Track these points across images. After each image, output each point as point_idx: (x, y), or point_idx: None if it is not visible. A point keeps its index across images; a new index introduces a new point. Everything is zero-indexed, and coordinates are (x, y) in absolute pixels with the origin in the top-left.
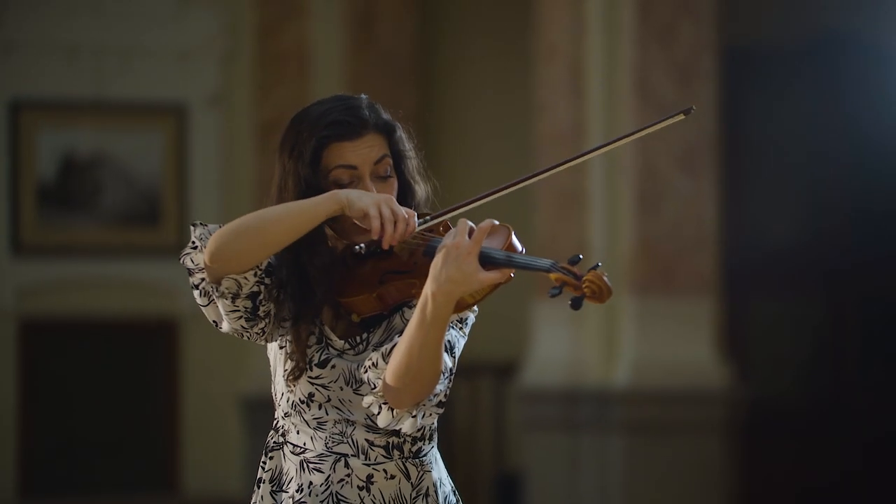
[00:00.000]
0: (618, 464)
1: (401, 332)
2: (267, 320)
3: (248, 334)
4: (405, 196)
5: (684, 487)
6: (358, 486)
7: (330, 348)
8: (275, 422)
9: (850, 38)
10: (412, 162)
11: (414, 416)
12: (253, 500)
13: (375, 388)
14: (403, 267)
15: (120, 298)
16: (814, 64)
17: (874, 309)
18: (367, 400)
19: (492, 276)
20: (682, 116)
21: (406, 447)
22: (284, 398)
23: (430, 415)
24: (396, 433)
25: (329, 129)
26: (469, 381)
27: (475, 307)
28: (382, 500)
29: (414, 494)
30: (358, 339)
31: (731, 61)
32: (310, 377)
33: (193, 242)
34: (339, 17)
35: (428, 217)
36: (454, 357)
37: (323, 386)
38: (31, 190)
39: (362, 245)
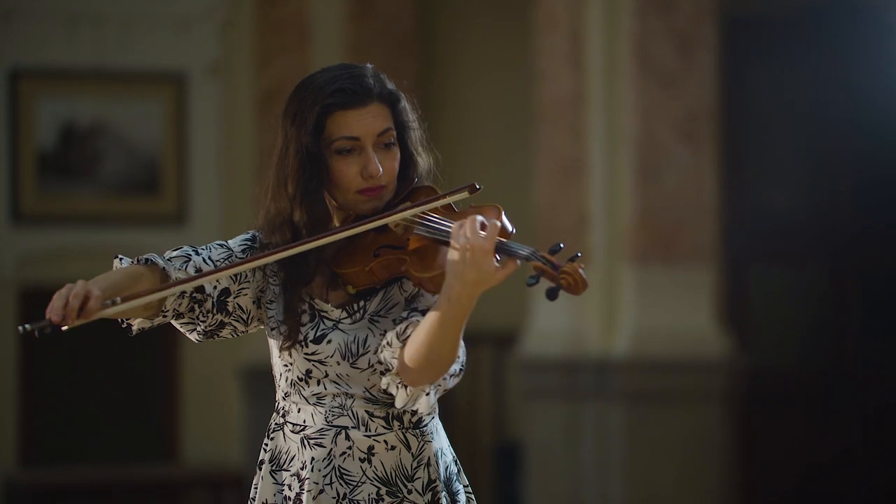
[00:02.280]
0: (618, 433)
1: (398, 304)
2: (225, 326)
3: (211, 338)
4: (407, 167)
5: (684, 456)
6: (360, 458)
7: (325, 321)
8: (276, 404)
9: (852, 6)
10: (415, 133)
11: (428, 395)
12: (254, 482)
13: (392, 368)
14: (397, 242)
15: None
16: (815, 33)
17: (876, 279)
18: (385, 381)
19: (506, 270)
20: (466, 193)
21: (406, 418)
22: (283, 378)
23: (446, 390)
24: (394, 404)
25: (333, 98)
26: (469, 351)
27: None
28: (384, 471)
29: (415, 465)
30: (355, 306)
31: (732, 30)
32: (306, 354)
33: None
34: None
35: (117, 300)
36: (462, 348)
37: (320, 362)
38: (30, 159)
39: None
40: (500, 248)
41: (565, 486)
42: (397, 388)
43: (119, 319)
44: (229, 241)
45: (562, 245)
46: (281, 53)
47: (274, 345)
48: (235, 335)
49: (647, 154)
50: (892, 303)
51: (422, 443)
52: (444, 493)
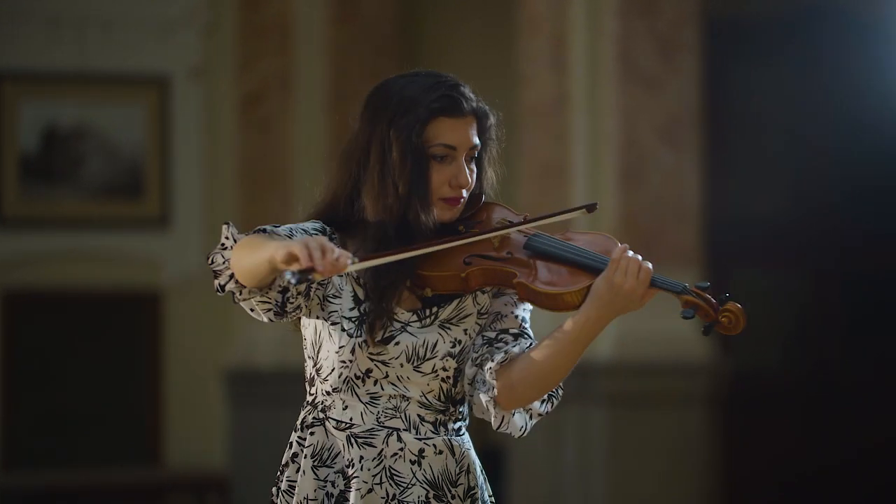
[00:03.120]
0: (600, 437)
1: (470, 314)
2: (299, 310)
3: (282, 319)
4: (478, 181)
5: (667, 460)
6: (410, 461)
7: (394, 322)
8: (311, 398)
9: (834, 9)
10: (494, 150)
11: (525, 417)
12: (286, 475)
13: (491, 390)
14: (493, 253)
15: (103, 271)
16: (797, 36)
17: (858, 282)
18: (482, 399)
19: (648, 298)
20: (584, 211)
21: (450, 425)
22: (335, 373)
23: (540, 415)
24: (445, 412)
25: (440, 102)
26: None
27: None
28: (432, 475)
29: (458, 470)
30: (427, 311)
31: (714, 33)
32: (370, 354)
33: (223, 243)
34: None
35: (354, 259)
36: None
37: (383, 362)
38: (13, 162)
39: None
40: (657, 284)
41: (548, 489)
42: (496, 410)
43: (218, 286)
44: (302, 225)
45: (708, 283)
46: (263, 56)
47: (328, 340)
48: (301, 315)
49: (629, 157)
50: (875, 307)
51: (463, 450)
52: (483, 499)
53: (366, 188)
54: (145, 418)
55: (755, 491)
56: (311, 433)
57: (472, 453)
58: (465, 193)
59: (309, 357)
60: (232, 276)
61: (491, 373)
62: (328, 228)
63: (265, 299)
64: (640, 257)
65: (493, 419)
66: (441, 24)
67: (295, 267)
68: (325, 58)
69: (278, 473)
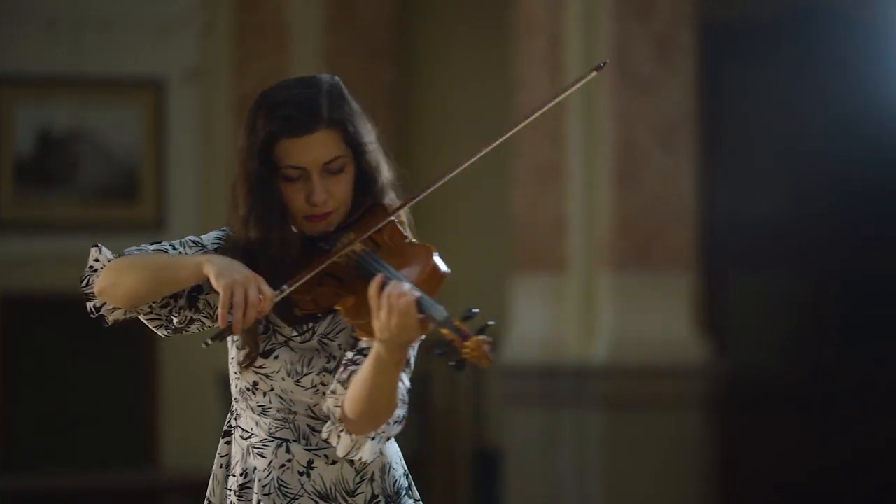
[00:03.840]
0: (597, 440)
1: (345, 329)
2: (195, 322)
3: (180, 334)
4: (367, 184)
5: (663, 463)
6: (298, 472)
7: (277, 336)
8: (232, 404)
9: (829, 11)
10: (372, 154)
11: (373, 439)
12: (210, 481)
13: (334, 416)
14: (341, 273)
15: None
16: (793, 38)
17: (854, 284)
18: (326, 429)
19: (427, 326)
20: (595, 73)
21: None
22: (233, 384)
23: (389, 437)
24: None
25: (278, 125)
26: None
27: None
28: (323, 486)
29: (357, 479)
30: (305, 326)
31: (710, 36)
32: (254, 367)
33: (91, 266)
34: None
35: (284, 288)
36: (411, 368)
37: (266, 376)
38: (8, 165)
39: (208, 341)
40: (419, 306)
41: (544, 492)
42: (339, 436)
43: (92, 308)
44: (202, 237)
45: (475, 311)
46: (259, 59)
47: (230, 347)
48: (203, 330)
49: (625, 160)
50: (871, 308)
51: None
52: None
53: (236, 211)
54: (143, 420)
55: (752, 493)
56: (227, 441)
57: (382, 459)
58: (331, 205)
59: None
60: (104, 303)
61: (334, 399)
62: (232, 234)
63: (154, 316)
64: (401, 287)
65: (340, 448)
66: (436, 27)
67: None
68: (320, 60)
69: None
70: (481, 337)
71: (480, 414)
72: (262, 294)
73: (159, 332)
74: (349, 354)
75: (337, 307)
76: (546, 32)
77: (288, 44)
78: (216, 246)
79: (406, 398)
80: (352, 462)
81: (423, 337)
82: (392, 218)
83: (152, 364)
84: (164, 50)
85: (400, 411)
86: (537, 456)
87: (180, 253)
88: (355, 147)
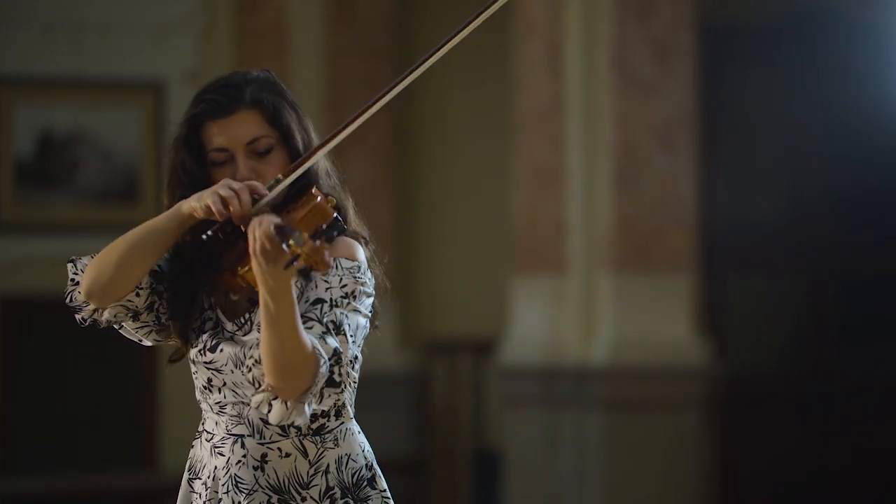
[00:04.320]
0: (596, 441)
1: None
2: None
3: (168, 340)
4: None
5: (663, 464)
6: (253, 466)
7: (223, 331)
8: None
9: (830, 13)
10: (300, 141)
11: (305, 403)
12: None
13: (262, 385)
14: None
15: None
16: (792, 40)
17: (853, 286)
18: (256, 399)
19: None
20: None
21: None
22: (195, 385)
23: (324, 397)
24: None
25: (199, 107)
26: (447, 359)
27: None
28: (277, 480)
29: (312, 472)
30: (243, 318)
31: (709, 38)
32: (205, 362)
33: (72, 279)
34: None
35: (279, 177)
36: (346, 336)
37: (217, 370)
38: (8, 167)
39: (209, 232)
40: (278, 231)
41: (544, 493)
42: (270, 404)
43: (81, 319)
44: None
45: (336, 232)
46: (259, 61)
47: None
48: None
49: (625, 161)
50: (870, 310)
51: (321, 449)
52: (345, 499)
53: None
54: (142, 423)
55: (752, 494)
56: (193, 445)
57: (339, 451)
58: (260, 188)
59: None
60: (94, 311)
61: (259, 369)
62: None
63: (141, 324)
64: (260, 221)
65: (273, 415)
66: (436, 29)
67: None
68: (320, 62)
69: None
70: (317, 243)
71: (480, 415)
72: (255, 190)
73: (146, 341)
74: None
75: (242, 270)
76: (545, 35)
77: (288, 46)
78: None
79: (325, 355)
80: (305, 454)
81: (296, 277)
82: (318, 197)
83: (152, 366)
84: (164, 52)
85: (322, 368)
86: (537, 457)
87: None
88: (281, 129)
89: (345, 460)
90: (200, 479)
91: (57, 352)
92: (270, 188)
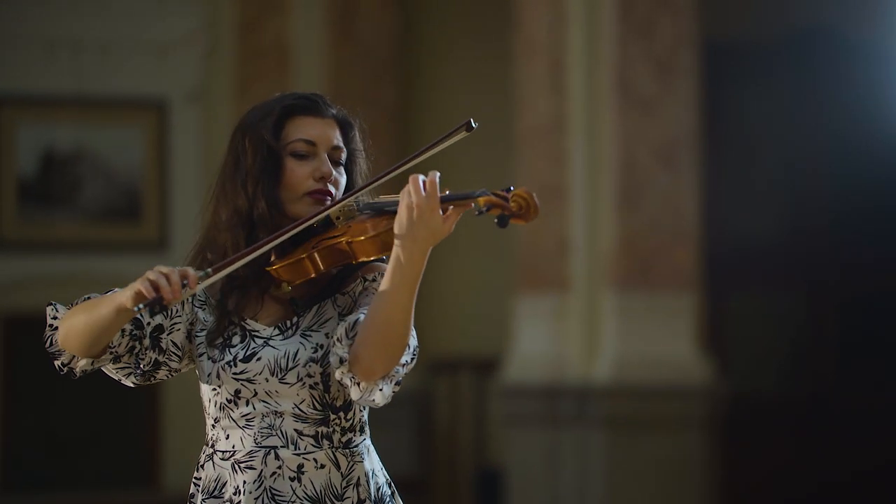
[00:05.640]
0: (599, 459)
1: (331, 318)
2: (162, 366)
3: (149, 381)
4: (348, 191)
5: (665, 483)
6: (290, 477)
7: (255, 340)
8: (205, 437)
9: (830, 32)
10: (362, 162)
11: (381, 389)
12: None
13: (344, 362)
14: (336, 232)
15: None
16: (793, 58)
17: (854, 304)
18: (338, 374)
19: (452, 219)
20: (464, 132)
21: (336, 437)
22: (212, 403)
23: (395, 385)
24: (326, 422)
25: (295, 101)
26: (450, 377)
27: None
28: (314, 490)
29: (344, 484)
30: (288, 322)
31: (711, 56)
32: (234, 374)
33: (51, 324)
34: (319, 13)
35: (209, 270)
36: (413, 335)
37: (248, 380)
38: (11, 185)
39: (140, 316)
40: (445, 199)
41: None
42: (350, 381)
43: (59, 366)
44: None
45: (512, 188)
46: (261, 79)
47: (201, 373)
48: (171, 375)
49: (627, 180)
50: (870, 328)
51: (351, 462)
52: None
53: (221, 201)
54: (143, 441)
55: None
56: (202, 469)
57: (366, 466)
58: (332, 189)
59: (201, 396)
60: (73, 357)
61: (340, 346)
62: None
63: (122, 365)
64: (422, 176)
65: (352, 391)
66: (438, 47)
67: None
68: (322, 81)
69: None
70: (524, 189)
71: (483, 433)
72: (185, 274)
73: (127, 382)
74: (349, 316)
75: (341, 246)
76: (547, 54)
77: (290, 64)
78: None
79: (413, 344)
80: (338, 466)
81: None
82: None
83: (155, 385)
84: (166, 71)
85: (407, 356)
86: (539, 475)
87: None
88: (351, 151)
89: (371, 475)
90: (222, 497)
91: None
92: (201, 279)
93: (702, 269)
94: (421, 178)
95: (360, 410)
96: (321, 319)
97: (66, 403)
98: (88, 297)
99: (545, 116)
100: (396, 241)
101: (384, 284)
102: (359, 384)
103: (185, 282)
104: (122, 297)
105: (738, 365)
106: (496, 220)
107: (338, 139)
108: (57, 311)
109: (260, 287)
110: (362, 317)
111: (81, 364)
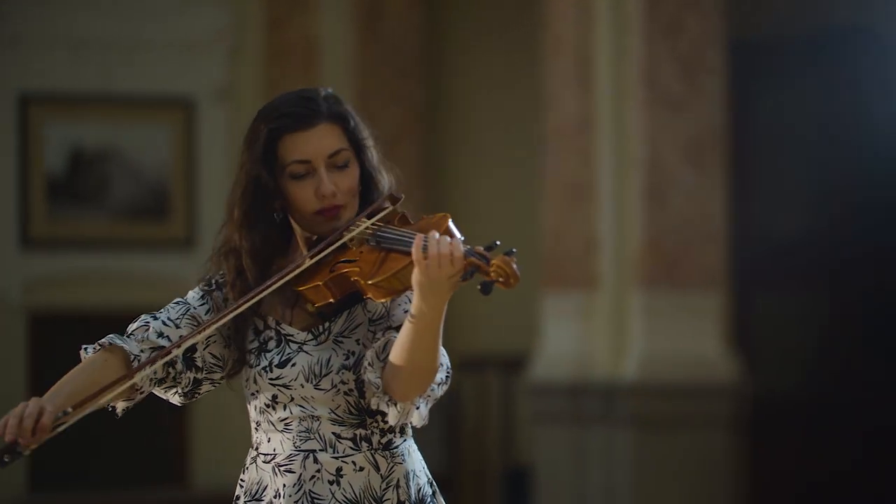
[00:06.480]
0: (625, 458)
1: (361, 324)
2: (204, 382)
3: (204, 392)
4: (369, 187)
5: (691, 481)
6: (329, 481)
7: (290, 344)
8: (251, 440)
9: (857, 29)
10: (372, 152)
11: (419, 408)
12: None
13: (378, 387)
14: (352, 256)
15: (128, 292)
16: (820, 56)
17: (880, 303)
18: (374, 401)
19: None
20: (389, 207)
21: (375, 439)
22: (251, 407)
23: (435, 399)
24: (363, 425)
25: (279, 122)
26: (477, 376)
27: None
28: (353, 493)
29: (384, 486)
30: (320, 328)
31: (738, 54)
32: (271, 379)
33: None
34: (345, 10)
35: (69, 410)
36: (444, 354)
37: (284, 385)
38: (39, 184)
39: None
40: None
41: None
42: (387, 405)
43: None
44: (188, 294)
45: (497, 242)
46: (288, 78)
47: (242, 377)
48: (215, 386)
49: (654, 178)
50: None
51: (391, 464)
52: None
53: (229, 217)
54: (171, 439)
55: None
56: (246, 471)
57: (406, 467)
58: (341, 201)
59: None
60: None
61: (373, 371)
62: (217, 277)
63: (168, 385)
64: (448, 238)
65: (391, 415)
66: (465, 45)
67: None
68: (349, 78)
69: None
70: (505, 255)
71: (510, 431)
72: (39, 413)
73: (174, 401)
74: (379, 335)
75: (353, 279)
76: (575, 51)
77: (317, 62)
78: (201, 294)
79: (446, 363)
80: (377, 468)
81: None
82: (396, 207)
83: None
84: (194, 69)
85: (441, 374)
86: (566, 474)
87: (163, 320)
88: (356, 143)
89: (411, 476)
90: (262, 501)
91: None
92: (57, 419)
93: (729, 268)
94: (445, 247)
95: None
96: (352, 325)
97: None
98: (110, 340)
99: (572, 114)
100: (417, 300)
101: (408, 328)
102: (395, 404)
103: (42, 425)
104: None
105: (764, 363)
106: (479, 287)
107: (334, 144)
108: (86, 353)
109: (294, 297)
110: (393, 338)
111: (120, 406)
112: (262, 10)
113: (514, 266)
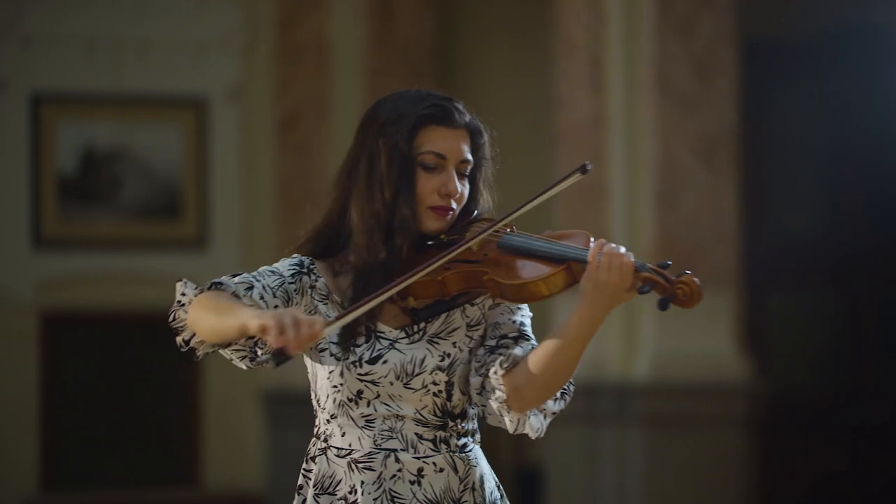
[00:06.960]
0: (638, 457)
1: (458, 328)
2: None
3: (263, 366)
4: (470, 202)
5: (704, 481)
6: (410, 481)
7: (381, 341)
8: (316, 429)
9: (870, 29)
10: (487, 171)
11: (536, 416)
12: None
13: (500, 395)
14: (471, 257)
15: (140, 291)
16: (833, 56)
17: (892, 302)
18: (494, 406)
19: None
20: (579, 175)
21: (452, 441)
22: (330, 399)
23: (554, 413)
24: (444, 427)
25: (431, 110)
26: None
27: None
28: (433, 493)
29: (462, 488)
30: (415, 327)
31: (751, 53)
32: (359, 374)
33: (179, 301)
34: (357, 10)
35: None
36: None
37: (372, 382)
38: (51, 183)
39: (260, 358)
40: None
41: None
42: (507, 412)
43: (181, 342)
44: (277, 266)
45: (669, 262)
46: (300, 77)
47: (320, 367)
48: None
49: (666, 178)
50: None
51: (468, 467)
52: None
53: (354, 197)
54: (183, 438)
55: None
56: (315, 463)
57: (480, 469)
58: (454, 205)
59: (311, 389)
60: (193, 335)
61: (497, 378)
62: (307, 261)
63: (238, 347)
64: (621, 249)
65: (508, 423)
66: (477, 45)
67: (268, 339)
68: (360, 80)
69: None
70: (690, 273)
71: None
72: (312, 321)
73: (240, 365)
74: (491, 342)
75: (486, 279)
76: (586, 51)
77: (328, 62)
78: (292, 272)
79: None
80: (456, 470)
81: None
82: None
83: (194, 382)
84: (206, 69)
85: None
86: (578, 474)
87: (264, 285)
88: (478, 160)
89: (485, 478)
90: (336, 495)
91: (98, 367)
92: (327, 322)
93: (741, 268)
94: (616, 256)
95: (473, 418)
96: (449, 328)
97: (107, 400)
98: (216, 283)
99: (584, 114)
100: (581, 307)
101: (563, 337)
102: (510, 413)
103: (313, 332)
104: (248, 318)
105: (776, 363)
106: (658, 303)
107: (467, 151)
108: (186, 287)
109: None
110: (519, 352)
111: (205, 347)
112: (275, 10)
113: (698, 282)
